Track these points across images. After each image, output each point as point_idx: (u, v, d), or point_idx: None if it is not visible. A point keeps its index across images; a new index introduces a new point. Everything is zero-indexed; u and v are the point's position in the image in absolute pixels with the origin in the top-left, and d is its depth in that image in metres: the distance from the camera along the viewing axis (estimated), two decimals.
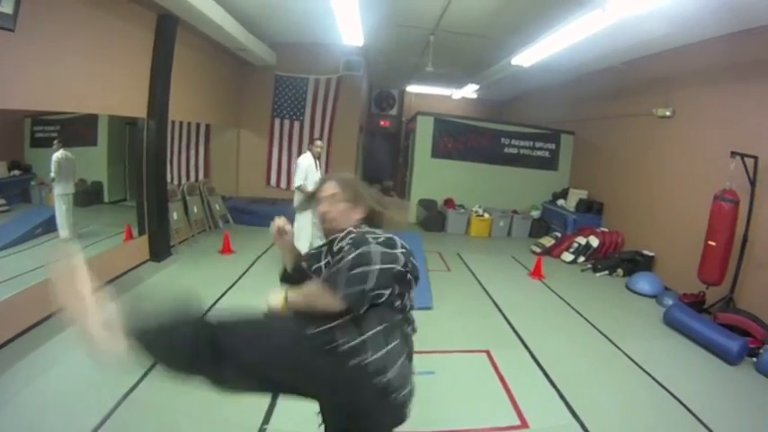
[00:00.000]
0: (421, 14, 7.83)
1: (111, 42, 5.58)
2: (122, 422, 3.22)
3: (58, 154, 6.08)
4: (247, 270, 6.92)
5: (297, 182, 6.72)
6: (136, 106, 6.39)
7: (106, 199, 7.30)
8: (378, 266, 1.84)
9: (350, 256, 1.86)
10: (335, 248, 2.02)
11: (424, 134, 11.65)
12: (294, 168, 7.12)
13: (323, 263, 2.08)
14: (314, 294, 1.90)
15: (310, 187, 6.53)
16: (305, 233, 6.61)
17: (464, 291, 6.95)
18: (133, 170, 6.78)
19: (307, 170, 6.89)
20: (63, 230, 6.09)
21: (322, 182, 2.30)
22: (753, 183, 5.99)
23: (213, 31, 7.40)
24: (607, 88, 10.10)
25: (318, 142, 7.25)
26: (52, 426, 3.18)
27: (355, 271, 1.82)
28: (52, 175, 6.11)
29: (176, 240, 7.55)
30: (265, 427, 3.32)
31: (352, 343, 1.84)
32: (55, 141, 6.13)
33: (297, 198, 6.83)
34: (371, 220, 2.25)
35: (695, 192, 7.09)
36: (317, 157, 7.18)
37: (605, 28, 5.90)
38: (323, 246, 2.18)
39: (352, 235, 2.01)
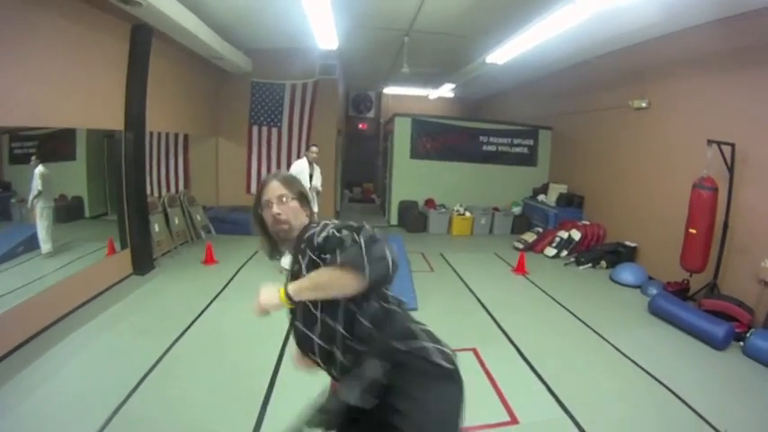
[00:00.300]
0: (394, 16, 7.85)
1: (85, 55, 5.53)
2: None
3: (41, 168, 6.04)
4: (231, 279, 6.89)
5: None
6: (113, 119, 6.35)
7: (87, 214, 7.19)
8: (386, 244, 1.77)
9: (362, 237, 1.76)
10: (318, 241, 1.86)
11: (402, 135, 11.66)
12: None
13: (304, 262, 1.91)
14: (332, 277, 1.72)
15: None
16: None
17: (448, 290, 6.98)
18: (113, 184, 6.72)
19: (299, 175, 6.96)
20: (45, 245, 6.03)
21: (263, 184, 2.13)
22: (731, 170, 6.09)
23: (188, 39, 7.36)
24: (583, 82, 10.20)
25: (314, 148, 7.45)
26: None
27: (373, 248, 1.72)
28: (40, 188, 6.07)
29: (159, 253, 7.49)
30: None
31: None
32: (33, 157, 6.08)
33: None
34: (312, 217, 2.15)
35: (674, 181, 7.20)
36: (312, 162, 7.37)
37: (578, 23, 5.95)
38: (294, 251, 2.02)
39: (330, 225, 1.89)
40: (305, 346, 2.03)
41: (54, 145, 6.53)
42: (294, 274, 1.96)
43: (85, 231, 7.09)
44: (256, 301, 1.86)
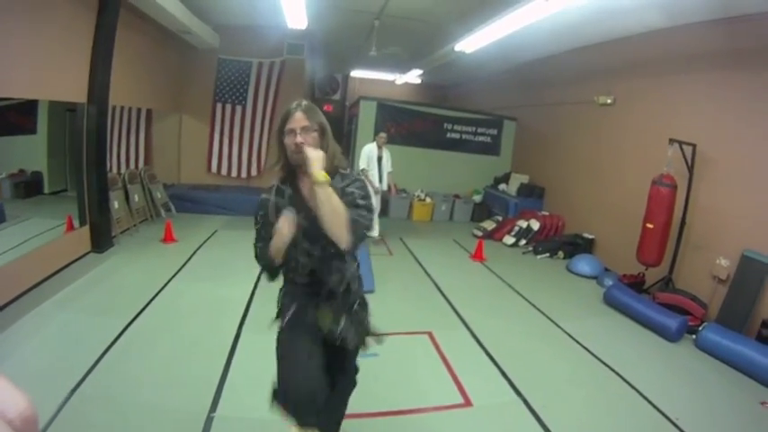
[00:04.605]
0: None
1: (49, 24, 5.38)
2: (73, 415, 3.20)
3: None
4: (190, 258, 6.86)
5: (361, 165, 8.14)
6: (76, 91, 6.20)
7: (46, 190, 7.05)
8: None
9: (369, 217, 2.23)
10: (347, 190, 2.25)
11: (366, 118, 11.60)
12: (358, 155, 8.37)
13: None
14: (343, 218, 2.09)
15: (374, 175, 8.07)
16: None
17: (406, 274, 7.08)
18: (73, 159, 6.58)
19: (369, 158, 8.15)
20: None
21: (288, 113, 2.28)
22: (690, 169, 6.29)
23: (156, 12, 7.24)
24: (549, 76, 10.35)
25: (382, 134, 8.34)
26: None
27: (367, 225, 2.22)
28: None
29: (118, 230, 7.39)
30: (213, 414, 3.35)
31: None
32: None
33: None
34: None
35: (634, 177, 7.40)
36: (380, 147, 8.23)
37: (547, 17, 6.03)
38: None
39: (356, 188, 2.27)
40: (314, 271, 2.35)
41: (14, 117, 6.39)
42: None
43: (44, 207, 6.97)
44: (310, 153, 2.14)
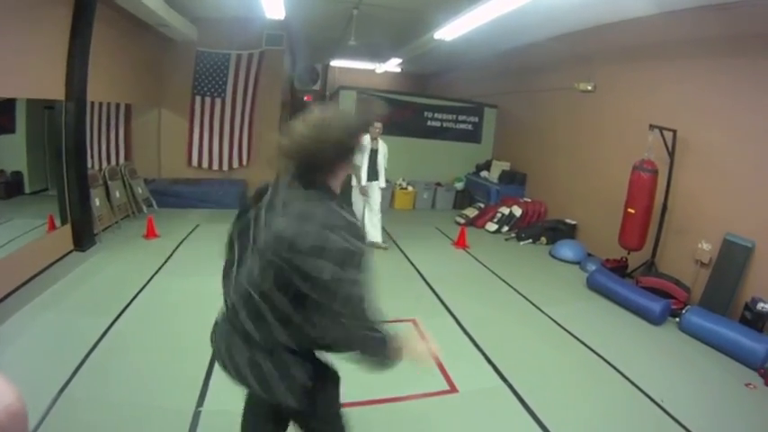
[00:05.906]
0: None
1: (24, 21, 5.29)
2: (61, 417, 3.19)
3: None
4: (173, 253, 6.84)
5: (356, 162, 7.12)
6: (53, 88, 6.11)
7: (27, 190, 6.97)
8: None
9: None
10: (305, 269, 1.62)
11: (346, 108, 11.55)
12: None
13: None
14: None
15: (363, 168, 7.36)
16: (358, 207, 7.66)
17: (389, 262, 7.13)
18: (53, 157, 6.52)
19: (361, 152, 7.36)
20: None
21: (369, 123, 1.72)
22: (671, 154, 6.36)
23: (133, 5, 7.15)
24: (530, 63, 10.39)
25: (377, 124, 7.55)
26: None
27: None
28: None
29: (100, 228, 7.30)
30: (200, 409, 3.37)
31: None
32: None
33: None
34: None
35: (615, 162, 7.46)
36: (375, 138, 7.53)
37: (525, 4, 6.03)
38: None
39: (331, 256, 1.61)
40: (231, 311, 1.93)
41: None
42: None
43: (25, 208, 6.90)
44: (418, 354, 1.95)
